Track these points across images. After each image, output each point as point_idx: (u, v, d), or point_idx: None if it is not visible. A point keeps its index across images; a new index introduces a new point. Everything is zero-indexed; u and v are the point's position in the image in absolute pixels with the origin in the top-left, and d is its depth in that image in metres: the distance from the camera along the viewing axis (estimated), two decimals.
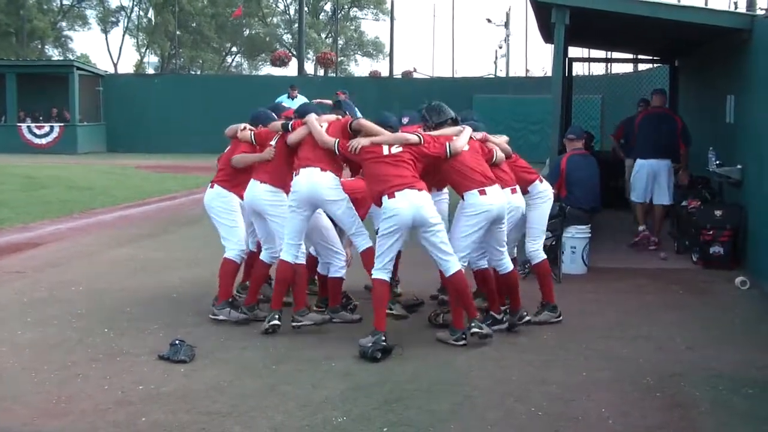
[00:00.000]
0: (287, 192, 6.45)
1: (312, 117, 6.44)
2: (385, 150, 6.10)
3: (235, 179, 6.83)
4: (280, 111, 7.34)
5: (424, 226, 5.98)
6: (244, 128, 6.91)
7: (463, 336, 6.10)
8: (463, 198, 6.23)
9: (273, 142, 6.64)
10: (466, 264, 6.22)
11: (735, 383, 5.28)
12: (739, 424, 4.70)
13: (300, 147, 6.41)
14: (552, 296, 6.86)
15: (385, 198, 5.98)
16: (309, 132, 6.37)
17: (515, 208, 6.55)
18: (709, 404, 4.96)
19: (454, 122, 6.55)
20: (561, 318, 6.80)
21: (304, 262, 6.55)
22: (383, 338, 5.82)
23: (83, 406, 4.86)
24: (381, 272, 6.04)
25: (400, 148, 6.10)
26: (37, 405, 4.88)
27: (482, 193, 6.13)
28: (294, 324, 6.34)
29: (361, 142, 6.16)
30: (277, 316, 6.31)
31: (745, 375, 5.47)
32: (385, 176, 6.01)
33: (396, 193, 5.92)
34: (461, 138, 6.27)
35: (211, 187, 6.94)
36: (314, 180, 6.21)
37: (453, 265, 6.02)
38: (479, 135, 6.52)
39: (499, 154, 6.54)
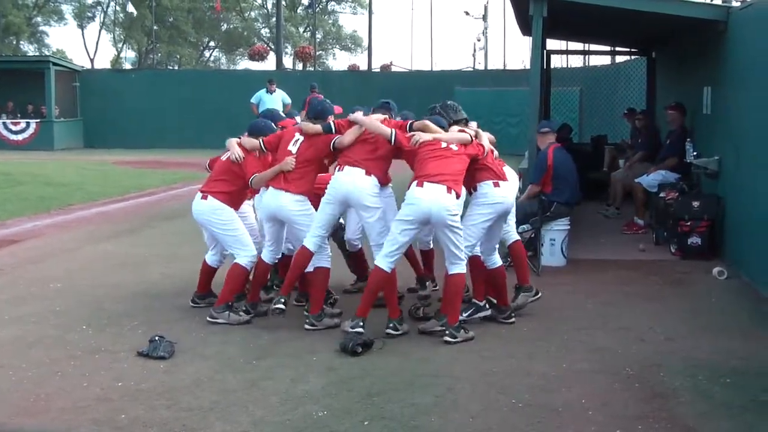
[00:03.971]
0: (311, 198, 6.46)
1: (361, 114, 6.40)
2: (443, 144, 6.16)
3: (234, 195, 6.67)
4: (276, 120, 7.25)
5: (441, 225, 6.00)
6: (240, 142, 6.66)
7: None
8: (475, 189, 6.33)
9: (293, 149, 6.47)
10: (470, 253, 6.25)
11: (714, 373, 5.33)
12: (719, 413, 4.73)
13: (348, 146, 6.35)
14: (527, 278, 6.88)
15: (414, 184, 6.02)
16: (361, 132, 6.31)
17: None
18: (688, 394, 5.00)
19: (465, 123, 6.59)
20: (539, 295, 6.83)
21: (329, 266, 6.47)
22: (361, 323, 5.89)
23: (62, 404, 4.82)
24: (383, 260, 6.04)
25: (456, 146, 6.16)
26: (15, 403, 4.84)
27: (496, 185, 6.28)
28: (308, 327, 6.31)
29: (423, 137, 6.20)
30: (283, 300, 6.26)
31: (724, 364, 5.52)
32: (428, 167, 6.04)
33: (425, 183, 5.96)
34: (484, 138, 6.42)
35: (204, 198, 6.66)
36: (356, 182, 6.18)
37: (459, 267, 6.07)
38: (474, 124, 6.57)
39: (495, 151, 6.61)
